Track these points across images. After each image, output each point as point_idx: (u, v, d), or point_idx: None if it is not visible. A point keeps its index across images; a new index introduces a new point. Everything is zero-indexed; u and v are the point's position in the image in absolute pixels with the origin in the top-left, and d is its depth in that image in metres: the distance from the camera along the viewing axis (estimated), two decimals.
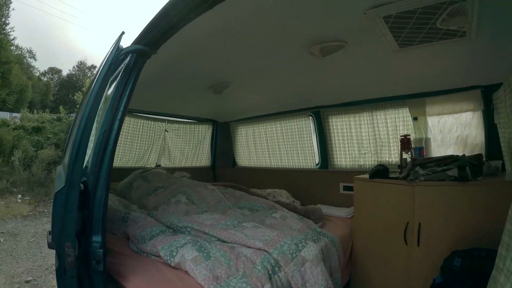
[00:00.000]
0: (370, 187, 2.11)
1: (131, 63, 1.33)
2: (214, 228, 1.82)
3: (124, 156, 3.51)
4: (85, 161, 1.30)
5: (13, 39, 17.41)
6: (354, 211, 2.31)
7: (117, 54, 1.28)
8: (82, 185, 1.23)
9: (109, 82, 1.38)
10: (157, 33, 1.26)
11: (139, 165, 3.66)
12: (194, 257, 1.42)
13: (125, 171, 3.28)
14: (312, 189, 3.25)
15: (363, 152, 2.94)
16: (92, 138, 1.34)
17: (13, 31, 16.99)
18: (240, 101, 3.43)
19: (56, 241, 1.15)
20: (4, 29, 16.22)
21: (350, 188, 2.84)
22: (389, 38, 1.66)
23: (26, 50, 19.38)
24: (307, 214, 2.38)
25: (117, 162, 3.47)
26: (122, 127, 3.14)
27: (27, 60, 19.62)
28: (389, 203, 1.94)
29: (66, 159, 1.46)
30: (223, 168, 4.43)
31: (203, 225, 1.85)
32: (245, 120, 4.05)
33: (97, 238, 1.23)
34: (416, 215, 1.77)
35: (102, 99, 1.31)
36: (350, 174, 2.86)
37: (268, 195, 3.17)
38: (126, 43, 1.36)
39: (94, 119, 1.24)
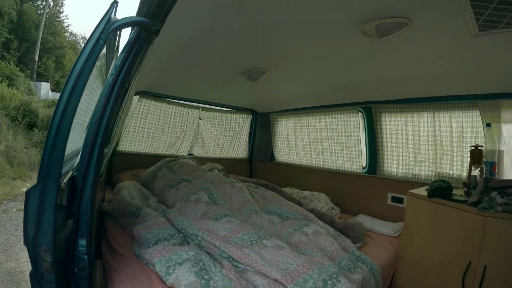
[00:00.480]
0: (427, 208, 1.72)
1: (132, 38, 1.14)
2: (228, 242, 1.56)
3: (154, 142, 3.44)
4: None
5: (67, 26, 18.92)
6: (403, 234, 1.95)
7: (107, 27, 1.06)
8: (68, 182, 1.08)
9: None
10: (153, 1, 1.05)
11: (170, 153, 3.59)
12: (189, 283, 1.20)
13: (154, 158, 3.20)
14: (355, 195, 2.91)
15: (419, 159, 2.50)
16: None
17: (67, 18, 18.43)
18: (280, 90, 3.15)
19: (30, 244, 1.01)
20: (59, 17, 17.64)
21: (399, 200, 2.52)
22: (468, 16, 1.26)
23: (80, 37, 20.64)
24: (345, 230, 2.05)
25: (147, 149, 3.42)
26: (153, 112, 3.17)
27: (80, 45, 21.20)
28: (449, 233, 1.56)
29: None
30: (260, 162, 4.22)
31: (215, 236, 1.60)
32: (286, 112, 3.76)
33: (83, 242, 1.10)
34: (483, 255, 1.39)
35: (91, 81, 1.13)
36: (401, 183, 2.55)
37: (305, 198, 2.89)
38: None
39: (77, 103, 1.05)
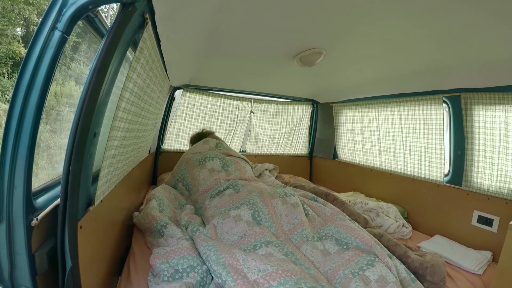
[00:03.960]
0: None
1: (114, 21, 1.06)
2: None
3: None
4: None
5: None
6: (495, 281, 1.61)
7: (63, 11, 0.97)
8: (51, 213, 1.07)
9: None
10: None
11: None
12: None
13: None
14: (432, 210, 2.58)
15: None
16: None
17: None
18: (342, 76, 2.91)
19: (7, 285, 1.02)
20: None
21: (487, 222, 2.18)
22: None
23: None
24: (422, 271, 1.66)
25: None
26: (198, 106, 3.21)
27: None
28: None
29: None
30: (321, 159, 4.03)
31: (241, 282, 1.35)
32: (351, 102, 3.47)
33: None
34: None
35: None
36: (492, 200, 2.18)
37: (370, 211, 2.62)
38: None
39: (36, 116, 0.95)
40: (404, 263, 1.71)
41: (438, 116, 2.56)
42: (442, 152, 2.55)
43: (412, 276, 1.57)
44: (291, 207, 2.15)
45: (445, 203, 2.48)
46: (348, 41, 2.01)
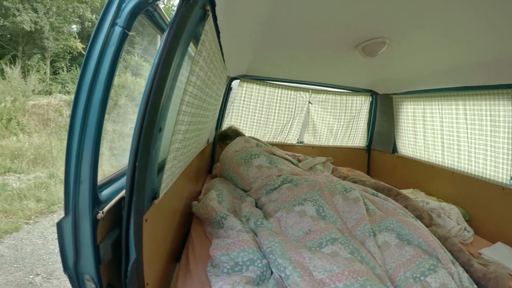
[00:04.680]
0: None
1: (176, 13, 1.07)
2: None
3: (259, 129, 3.65)
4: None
5: None
6: None
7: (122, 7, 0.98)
8: (117, 205, 1.11)
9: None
10: None
11: (277, 141, 3.75)
12: None
13: None
14: (496, 214, 2.43)
15: None
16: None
17: None
18: (404, 66, 2.82)
19: (71, 273, 1.05)
20: None
21: None
22: None
23: None
24: (484, 282, 1.58)
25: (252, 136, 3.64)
26: (256, 97, 3.37)
27: None
28: None
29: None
30: (380, 153, 3.95)
31: (308, 279, 1.36)
32: (412, 94, 3.33)
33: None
34: None
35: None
36: None
37: (431, 211, 2.53)
38: None
39: (100, 115, 0.97)
40: (466, 271, 1.62)
41: (506, 113, 2.37)
42: (510, 152, 2.37)
43: (475, 286, 1.49)
44: (352, 202, 2.10)
45: (510, 208, 2.32)
46: (413, 30, 1.94)
